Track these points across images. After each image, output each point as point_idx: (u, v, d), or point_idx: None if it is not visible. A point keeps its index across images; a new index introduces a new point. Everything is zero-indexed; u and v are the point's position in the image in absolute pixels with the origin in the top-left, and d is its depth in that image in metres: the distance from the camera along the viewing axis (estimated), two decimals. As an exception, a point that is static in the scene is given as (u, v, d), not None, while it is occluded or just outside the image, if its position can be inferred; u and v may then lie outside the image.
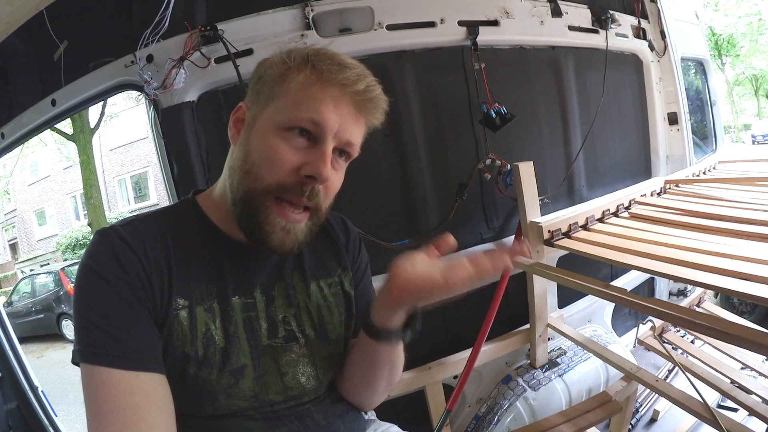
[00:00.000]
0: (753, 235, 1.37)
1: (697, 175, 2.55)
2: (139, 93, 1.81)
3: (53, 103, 1.98)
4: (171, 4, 1.63)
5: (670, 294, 2.96)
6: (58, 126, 9.04)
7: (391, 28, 1.86)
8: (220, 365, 0.73)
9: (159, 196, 13.79)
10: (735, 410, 1.91)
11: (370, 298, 0.89)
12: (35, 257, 14.16)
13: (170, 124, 1.75)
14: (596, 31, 2.35)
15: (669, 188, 2.24)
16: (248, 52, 1.73)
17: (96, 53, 1.81)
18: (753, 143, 19.34)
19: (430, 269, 0.69)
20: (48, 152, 14.48)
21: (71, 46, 1.89)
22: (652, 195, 2.13)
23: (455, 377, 1.93)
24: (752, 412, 1.44)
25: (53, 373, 5.85)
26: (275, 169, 0.69)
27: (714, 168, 2.82)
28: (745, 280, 1.07)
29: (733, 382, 1.67)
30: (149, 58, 1.70)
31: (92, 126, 9.89)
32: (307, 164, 0.69)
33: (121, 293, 0.66)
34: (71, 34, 1.87)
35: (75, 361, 0.67)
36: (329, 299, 0.87)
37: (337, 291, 0.88)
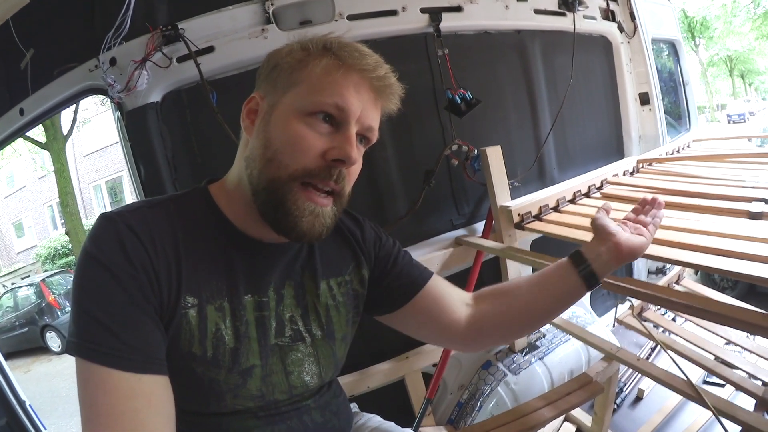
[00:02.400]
0: (728, 211, 1.38)
1: (671, 154, 2.57)
2: (105, 97, 1.77)
3: (21, 112, 1.95)
4: (131, 6, 1.61)
5: (649, 272, 2.99)
6: (31, 134, 8.87)
7: (353, 18, 1.84)
8: (229, 366, 0.71)
9: (134, 200, 13.64)
10: (721, 386, 1.94)
11: (421, 272, 0.94)
12: (15, 270, 13.88)
13: (135, 126, 1.72)
14: (563, 14, 2.35)
15: (642, 167, 2.25)
16: (209, 49, 1.71)
17: (61, 59, 1.78)
18: (729, 122, 19.72)
19: (631, 232, 0.87)
20: (22, 162, 14.21)
21: (37, 54, 1.85)
22: (624, 174, 2.14)
23: (434, 365, 1.94)
24: (738, 387, 1.47)
25: (41, 386, 5.79)
26: (301, 155, 0.68)
27: (688, 146, 2.86)
28: (722, 255, 1.08)
29: (717, 358, 1.68)
30: (112, 61, 1.67)
31: (65, 133, 9.70)
32: (334, 148, 0.69)
33: (126, 288, 0.62)
34: (37, 42, 1.84)
35: (71, 353, 0.62)
36: (338, 299, 0.85)
37: (347, 290, 0.87)
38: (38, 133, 9.25)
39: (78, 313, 0.63)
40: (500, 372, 1.85)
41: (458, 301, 0.93)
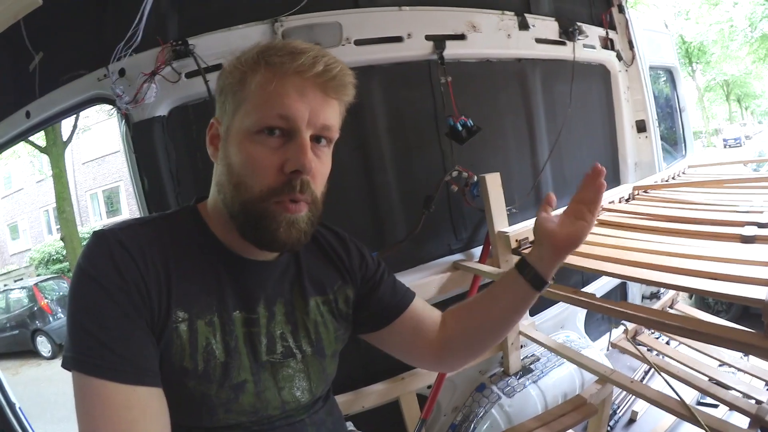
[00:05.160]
0: (721, 236, 1.40)
1: (666, 181, 2.59)
2: (112, 107, 1.80)
3: (27, 114, 1.96)
4: (144, 18, 1.63)
5: (643, 297, 3.01)
6: (31, 138, 8.86)
7: (359, 43, 1.89)
8: (219, 380, 0.72)
9: (131, 210, 13.47)
10: (715, 406, 1.95)
11: (403, 294, 0.95)
12: (9, 272, 13.77)
13: (141, 138, 1.75)
14: (563, 43, 2.40)
15: (637, 194, 2.27)
16: (218, 66, 1.71)
17: (70, 66, 1.80)
18: (725, 147, 19.91)
19: (570, 219, 0.83)
20: (21, 165, 14.16)
21: (46, 57, 1.87)
22: (620, 201, 2.17)
23: (429, 387, 1.95)
24: (732, 407, 1.47)
25: (29, 390, 5.71)
26: (261, 176, 0.69)
27: (683, 173, 2.88)
28: (715, 279, 1.10)
29: (711, 379, 1.68)
30: (121, 72, 1.70)
31: (65, 139, 9.70)
32: (289, 160, 0.68)
33: (118, 302, 0.64)
34: (47, 45, 1.86)
35: (66, 367, 0.64)
36: (325, 316, 0.87)
37: (331, 308, 0.88)
38: (38, 136, 9.22)
39: (73, 327, 0.64)
40: (494, 394, 1.86)
41: (433, 323, 0.95)
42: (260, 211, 0.70)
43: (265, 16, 1.80)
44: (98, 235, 0.69)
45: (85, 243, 0.71)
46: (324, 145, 0.74)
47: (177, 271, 0.71)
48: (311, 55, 0.68)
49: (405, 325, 0.93)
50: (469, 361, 1.00)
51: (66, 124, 9.56)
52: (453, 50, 2.03)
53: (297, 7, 1.80)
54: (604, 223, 1.84)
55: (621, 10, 2.88)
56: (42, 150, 9.67)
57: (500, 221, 1.88)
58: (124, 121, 1.77)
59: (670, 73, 3.94)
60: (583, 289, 1.68)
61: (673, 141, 3.96)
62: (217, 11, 1.81)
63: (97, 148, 14.07)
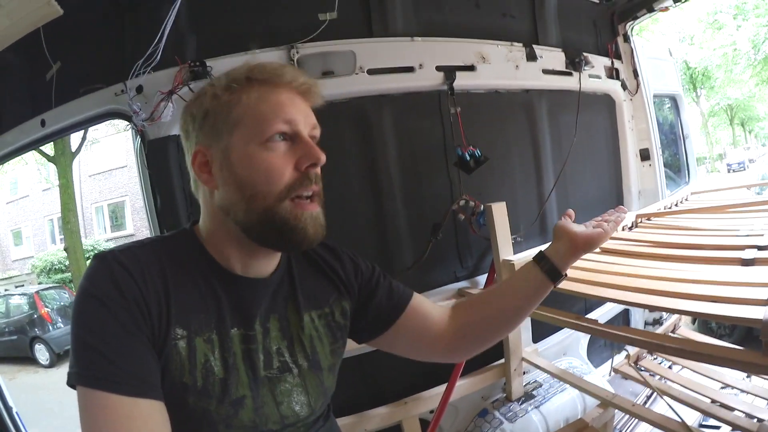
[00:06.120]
0: (723, 260, 1.42)
1: (669, 208, 2.61)
2: (128, 123, 1.83)
3: (42, 123, 1.99)
4: (164, 38, 1.67)
5: (646, 323, 3.01)
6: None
7: (372, 72, 1.94)
8: (219, 396, 0.74)
9: (135, 226, 13.44)
10: (717, 428, 1.93)
11: (401, 294, 0.97)
12: (10, 277, 13.75)
13: (156, 156, 1.78)
14: (570, 74, 2.45)
15: (640, 222, 2.29)
16: (234, 90, 1.77)
17: (87, 78, 1.83)
18: (729, 171, 19.86)
19: (590, 227, 0.93)
20: (28, 171, 14.20)
21: (64, 67, 1.91)
22: (623, 230, 2.18)
23: (431, 412, 1.95)
24: (735, 426, 1.48)
25: (25, 397, 5.66)
26: (278, 178, 0.73)
27: (686, 199, 2.91)
28: (715, 302, 1.12)
29: (713, 401, 1.69)
30: (139, 89, 1.73)
31: (73, 150, 9.76)
32: (302, 157, 0.75)
33: (119, 319, 0.67)
34: (65, 55, 1.89)
35: (71, 384, 0.67)
36: (320, 330, 0.88)
37: (327, 322, 0.89)
38: (47, 145, 9.31)
39: (76, 344, 0.67)
40: (497, 420, 1.86)
41: (439, 315, 0.98)
42: (282, 215, 0.74)
43: (281, 42, 1.86)
44: (99, 258, 0.72)
45: (87, 264, 0.74)
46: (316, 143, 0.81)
47: (175, 289, 0.74)
48: (291, 70, 0.79)
49: (408, 323, 0.95)
50: (480, 349, 1.02)
51: (75, 135, 9.62)
52: (463, 81, 2.08)
53: (312, 35, 1.85)
54: (607, 251, 1.86)
55: (626, 39, 2.94)
56: (50, 159, 9.71)
57: (506, 249, 1.90)
58: (139, 137, 1.80)
59: (674, 100, 3.97)
60: (586, 316, 1.70)
61: (676, 168, 3.98)
62: (235, 35, 1.86)
63: (105, 161, 14.10)
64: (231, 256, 0.79)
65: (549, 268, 0.90)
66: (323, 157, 0.76)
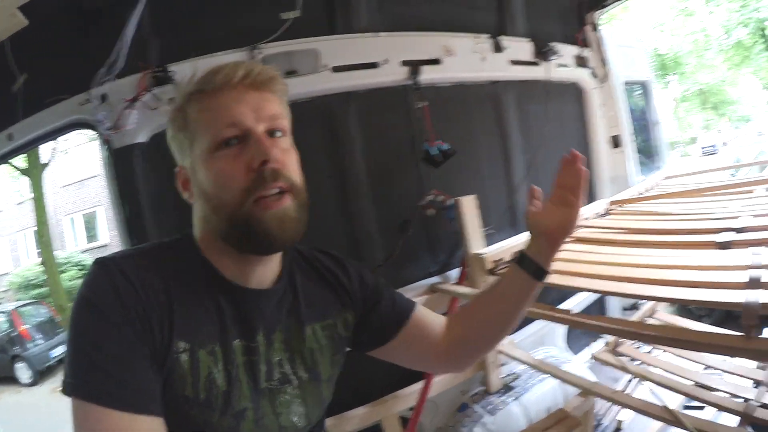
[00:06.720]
0: (698, 244, 1.42)
1: (642, 193, 2.64)
2: (94, 132, 1.80)
3: (10, 137, 1.95)
4: (127, 43, 1.65)
5: (624, 309, 3.04)
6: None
7: (337, 69, 1.93)
8: (222, 408, 0.72)
9: (110, 237, 13.14)
10: (701, 408, 1.95)
11: (404, 306, 0.95)
12: (-14, 295, 13.42)
13: (122, 164, 1.75)
14: (537, 64, 2.46)
15: (613, 209, 2.31)
16: (198, 93, 1.74)
17: (53, 89, 1.80)
18: (702, 155, 20.31)
19: (557, 206, 0.85)
20: (1, 185, 13.86)
21: (30, 79, 1.87)
22: (595, 217, 2.20)
23: (411, 409, 1.95)
24: (720, 407, 1.49)
25: (8, 417, 5.56)
26: (231, 183, 0.71)
27: (659, 184, 2.93)
28: (693, 287, 1.12)
29: (696, 383, 1.70)
30: (103, 98, 1.71)
31: (44, 161, 9.57)
32: (253, 157, 0.70)
33: (120, 331, 0.64)
34: (31, 67, 1.85)
35: (66, 394, 0.63)
36: (322, 342, 0.87)
37: (330, 334, 0.88)
38: (19, 158, 9.10)
39: (73, 354, 0.65)
40: (477, 414, 1.87)
41: (439, 327, 0.97)
42: (245, 218, 0.71)
43: (243, 43, 1.83)
44: (100, 264, 0.70)
45: (86, 271, 0.71)
46: (280, 137, 0.76)
47: (178, 301, 0.71)
48: (231, 65, 0.72)
49: (410, 334, 0.94)
50: (481, 356, 1.02)
51: (45, 146, 9.43)
52: (428, 75, 2.08)
53: (275, 35, 1.83)
54: (579, 240, 1.87)
55: (594, 28, 2.97)
56: (23, 172, 9.51)
57: (476, 243, 1.90)
58: (105, 146, 1.77)
59: (644, 86, 4.04)
60: (560, 305, 1.70)
61: (649, 153, 4.05)
62: (197, 38, 1.83)
63: (77, 171, 13.82)
64: (227, 266, 0.77)
65: (534, 268, 0.89)
66: (272, 153, 0.71)
